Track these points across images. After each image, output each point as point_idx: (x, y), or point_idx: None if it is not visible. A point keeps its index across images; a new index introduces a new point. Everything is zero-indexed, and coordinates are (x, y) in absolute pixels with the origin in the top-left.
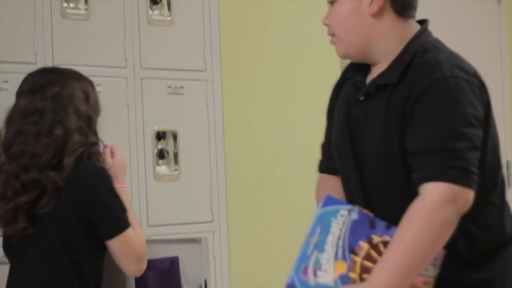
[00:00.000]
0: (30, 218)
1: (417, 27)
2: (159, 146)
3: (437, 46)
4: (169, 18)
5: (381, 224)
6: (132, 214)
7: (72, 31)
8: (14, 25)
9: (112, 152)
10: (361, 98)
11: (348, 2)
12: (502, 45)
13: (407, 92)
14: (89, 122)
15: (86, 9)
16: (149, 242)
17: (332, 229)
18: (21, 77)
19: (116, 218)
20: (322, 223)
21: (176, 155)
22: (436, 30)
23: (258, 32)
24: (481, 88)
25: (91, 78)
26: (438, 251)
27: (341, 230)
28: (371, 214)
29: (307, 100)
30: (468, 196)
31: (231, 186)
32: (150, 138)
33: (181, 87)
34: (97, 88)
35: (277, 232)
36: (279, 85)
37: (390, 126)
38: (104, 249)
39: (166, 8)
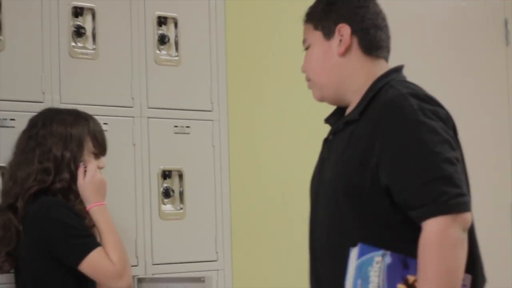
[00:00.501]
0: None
1: (387, 67)
2: (165, 185)
3: (404, 83)
4: (177, 58)
5: (412, 263)
6: (108, 231)
7: (80, 70)
8: (22, 63)
9: (84, 173)
10: (330, 138)
11: (318, 46)
12: (510, 86)
13: (370, 127)
14: (61, 161)
15: (94, 49)
16: (153, 280)
17: (371, 279)
18: (28, 115)
19: (72, 247)
20: (361, 275)
21: (181, 194)
22: (444, 71)
23: (265, 73)
24: (447, 115)
25: (98, 117)
26: (462, 270)
27: (379, 277)
28: (401, 255)
29: (314, 141)
30: (466, 217)
31: (236, 226)
32: (155, 177)
33: (188, 127)
34: (104, 127)
35: (282, 272)
36: (285, 126)
37: (349, 159)
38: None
39: (174, 48)
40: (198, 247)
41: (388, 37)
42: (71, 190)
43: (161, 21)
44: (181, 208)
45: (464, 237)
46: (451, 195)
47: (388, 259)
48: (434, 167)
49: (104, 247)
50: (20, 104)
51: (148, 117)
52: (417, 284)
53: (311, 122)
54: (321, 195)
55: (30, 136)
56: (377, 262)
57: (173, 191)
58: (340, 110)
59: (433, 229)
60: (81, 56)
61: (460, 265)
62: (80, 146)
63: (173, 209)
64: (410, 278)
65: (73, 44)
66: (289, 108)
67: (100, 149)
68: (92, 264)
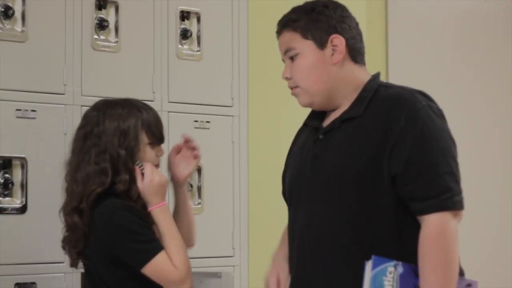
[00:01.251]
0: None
1: (369, 73)
2: None
3: (395, 84)
4: (198, 53)
5: None
6: (170, 233)
7: (102, 63)
8: (44, 55)
9: (143, 173)
10: (321, 137)
11: (311, 55)
12: None
13: (378, 120)
14: (117, 160)
15: (117, 42)
16: None
17: None
18: (50, 107)
19: (135, 252)
20: (377, 285)
21: (199, 189)
22: (464, 72)
23: None
24: (442, 113)
25: None
26: (459, 262)
27: (393, 286)
28: (412, 265)
29: None
30: (462, 214)
31: (254, 222)
32: None
33: (208, 122)
34: None
35: None
36: None
37: (356, 153)
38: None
39: (196, 43)
40: (215, 243)
41: (363, 44)
42: (132, 189)
43: (184, 15)
44: (199, 203)
45: (459, 232)
46: (454, 192)
47: (400, 269)
48: (444, 162)
49: (166, 249)
50: (42, 96)
51: (168, 111)
52: (420, 275)
53: None
54: (318, 191)
55: (85, 135)
56: (390, 272)
57: (191, 186)
58: (317, 113)
59: (435, 223)
60: (103, 49)
61: (457, 258)
62: (136, 140)
63: (192, 203)
64: None
65: (95, 36)
66: None
67: (154, 139)
68: (155, 269)
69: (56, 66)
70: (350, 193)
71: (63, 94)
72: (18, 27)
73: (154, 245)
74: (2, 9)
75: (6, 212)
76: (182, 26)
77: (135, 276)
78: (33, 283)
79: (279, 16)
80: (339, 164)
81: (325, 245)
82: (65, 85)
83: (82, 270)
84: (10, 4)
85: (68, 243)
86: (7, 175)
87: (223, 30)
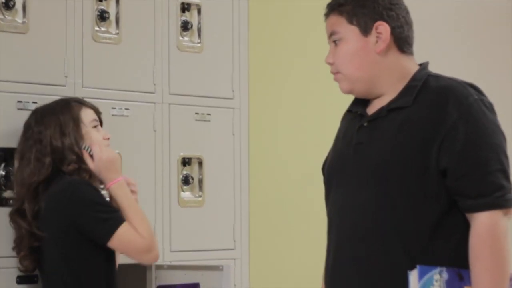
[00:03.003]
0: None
1: (416, 62)
2: (184, 172)
3: (445, 76)
4: (199, 45)
5: (466, 274)
6: (130, 207)
7: (103, 54)
8: (45, 47)
9: (92, 155)
10: (365, 124)
11: (354, 41)
12: None
13: (428, 111)
14: (62, 149)
15: (117, 34)
16: (171, 267)
17: None
18: (50, 98)
19: (101, 223)
20: None
21: (200, 182)
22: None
23: (287, 62)
24: (493, 107)
25: (120, 102)
26: (510, 260)
27: None
28: (456, 269)
29: (334, 131)
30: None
31: (254, 215)
32: (175, 164)
33: (208, 114)
34: (125, 112)
35: (299, 262)
36: (306, 115)
37: (404, 144)
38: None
39: (197, 35)
40: (216, 235)
41: (413, 34)
42: (82, 169)
43: (185, 7)
44: (200, 196)
45: (509, 230)
46: (506, 190)
47: (445, 275)
48: (496, 158)
49: (130, 222)
50: (43, 87)
51: (169, 104)
52: (471, 274)
53: (332, 111)
54: (360, 178)
55: (26, 138)
56: (437, 280)
57: (192, 178)
58: (361, 100)
59: (487, 221)
60: (104, 40)
61: (509, 256)
62: (77, 125)
63: (192, 196)
64: None
65: (96, 28)
66: (310, 97)
67: (97, 113)
68: (122, 239)
69: (57, 57)
70: (394, 182)
71: (64, 86)
72: (19, 19)
73: (117, 216)
74: (3, 1)
75: (8, 205)
76: (183, 18)
77: (100, 246)
78: None
79: (279, 8)
80: (385, 152)
81: (363, 232)
82: (66, 77)
83: None
84: None
85: (17, 247)
86: (9, 167)
87: (224, 22)
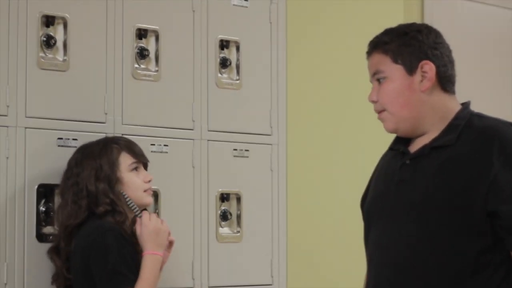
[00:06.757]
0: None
1: (458, 102)
2: (223, 208)
3: (485, 115)
4: (238, 81)
5: None
6: (147, 280)
7: (142, 91)
8: (86, 84)
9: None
10: (408, 162)
11: (399, 80)
12: None
13: (472, 152)
14: (96, 193)
15: (157, 71)
16: None
17: None
18: (90, 135)
19: (110, 273)
20: None
21: (239, 217)
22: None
23: (324, 99)
24: None
25: (159, 139)
26: None
27: None
28: None
29: (372, 166)
30: None
31: (292, 250)
32: (214, 199)
33: (247, 150)
34: (164, 149)
35: None
36: (343, 150)
37: (447, 182)
38: None
39: (235, 72)
40: (254, 271)
41: (455, 73)
42: (116, 212)
43: (223, 44)
44: (238, 231)
45: None
46: None
47: None
48: None
49: None
50: (83, 124)
51: (208, 140)
52: None
53: (369, 147)
54: (403, 216)
55: (67, 177)
56: None
57: (230, 214)
58: (403, 138)
59: None
60: (143, 77)
61: None
62: (113, 170)
63: (230, 232)
64: None
65: (136, 65)
66: (347, 134)
67: (136, 156)
68: None
69: (97, 95)
70: (436, 220)
71: (104, 123)
72: (60, 56)
73: (127, 275)
74: (45, 39)
75: (47, 241)
76: (222, 55)
77: None
78: None
79: (317, 44)
80: (428, 190)
81: (405, 268)
82: (106, 114)
83: None
84: (52, 34)
85: (55, 282)
86: (49, 204)
87: (262, 59)
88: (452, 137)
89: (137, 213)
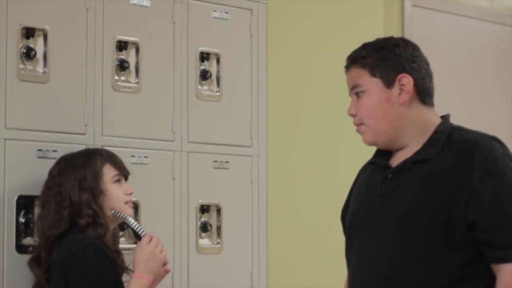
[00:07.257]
0: None
1: (437, 115)
2: (203, 219)
3: (467, 129)
4: (218, 93)
5: None
6: None
7: (122, 103)
8: (65, 96)
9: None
10: (389, 176)
11: (377, 93)
12: None
13: (453, 165)
14: (79, 204)
15: (137, 83)
16: None
17: None
18: (70, 147)
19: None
20: None
21: (219, 229)
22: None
23: (304, 111)
24: None
25: (139, 150)
26: None
27: None
28: None
29: (352, 179)
30: None
31: (273, 262)
32: (194, 211)
33: (227, 162)
34: (144, 160)
35: None
36: (324, 163)
37: (430, 196)
38: None
39: (215, 84)
40: (234, 282)
41: (433, 85)
42: (98, 224)
43: (204, 56)
44: (218, 243)
45: None
46: None
47: None
48: None
49: None
50: (63, 136)
51: (188, 152)
52: None
53: (349, 159)
54: (385, 230)
55: (49, 187)
56: None
57: (210, 225)
58: (384, 152)
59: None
60: (123, 89)
61: None
62: (96, 181)
63: (210, 243)
64: None
65: (116, 77)
66: (327, 145)
67: (119, 168)
68: None
69: (77, 106)
70: (419, 234)
71: (84, 134)
72: (40, 68)
73: None
74: (24, 51)
75: (27, 252)
76: (202, 67)
77: None
78: None
79: (297, 56)
80: (410, 204)
81: (388, 282)
82: (86, 125)
83: None
84: (32, 46)
85: None
86: (29, 215)
87: (242, 71)
88: (434, 151)
89: (140, 232)
